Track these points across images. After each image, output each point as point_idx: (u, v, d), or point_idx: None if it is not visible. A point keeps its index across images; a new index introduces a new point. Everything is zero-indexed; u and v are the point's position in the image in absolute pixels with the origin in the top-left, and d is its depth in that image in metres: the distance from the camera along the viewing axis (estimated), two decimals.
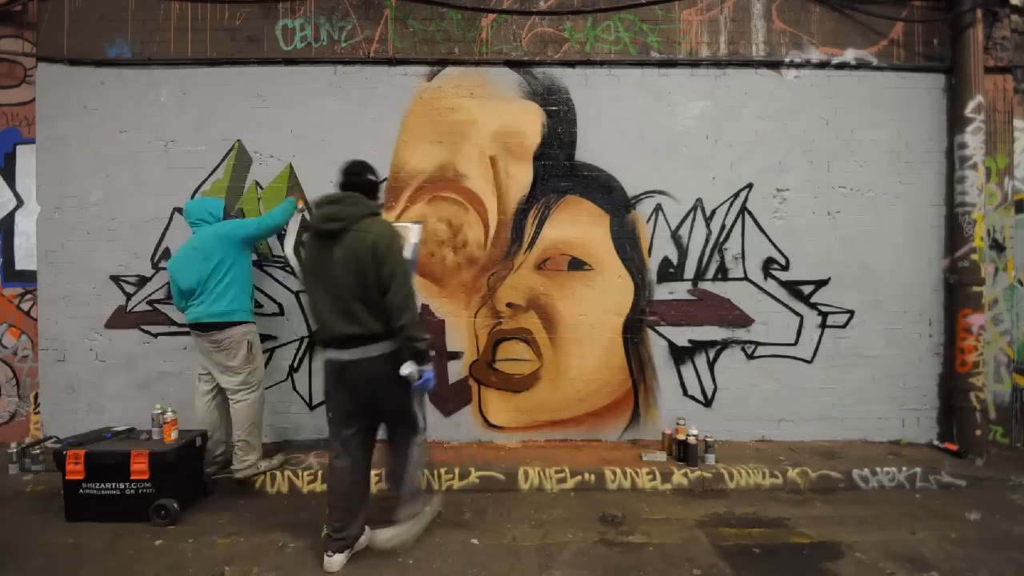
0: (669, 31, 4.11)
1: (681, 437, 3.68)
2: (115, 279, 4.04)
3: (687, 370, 4.13)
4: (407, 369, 2.35)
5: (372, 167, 2.64)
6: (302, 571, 2.49)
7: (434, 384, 2.48)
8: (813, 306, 4.14)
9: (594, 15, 4.06)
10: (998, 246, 4.17)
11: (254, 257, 4.04)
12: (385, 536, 2.62)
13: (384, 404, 2.51)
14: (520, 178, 4.07)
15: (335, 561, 2.46)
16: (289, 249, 4.05)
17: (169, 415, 3.16)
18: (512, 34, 4.09)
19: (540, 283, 4.09)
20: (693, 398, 4.14)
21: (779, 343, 4.14)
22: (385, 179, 4.06)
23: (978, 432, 3.87)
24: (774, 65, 4.12)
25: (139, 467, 2.93)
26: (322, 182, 4.04)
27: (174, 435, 3.12)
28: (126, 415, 3.81)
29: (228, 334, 3.30)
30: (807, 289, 4.14)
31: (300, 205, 3.91)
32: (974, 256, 3.93)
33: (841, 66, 4.12)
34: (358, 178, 2.57)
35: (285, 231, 4.00)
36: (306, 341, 4.08)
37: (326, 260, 2.35)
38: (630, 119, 4.09)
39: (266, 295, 4.05)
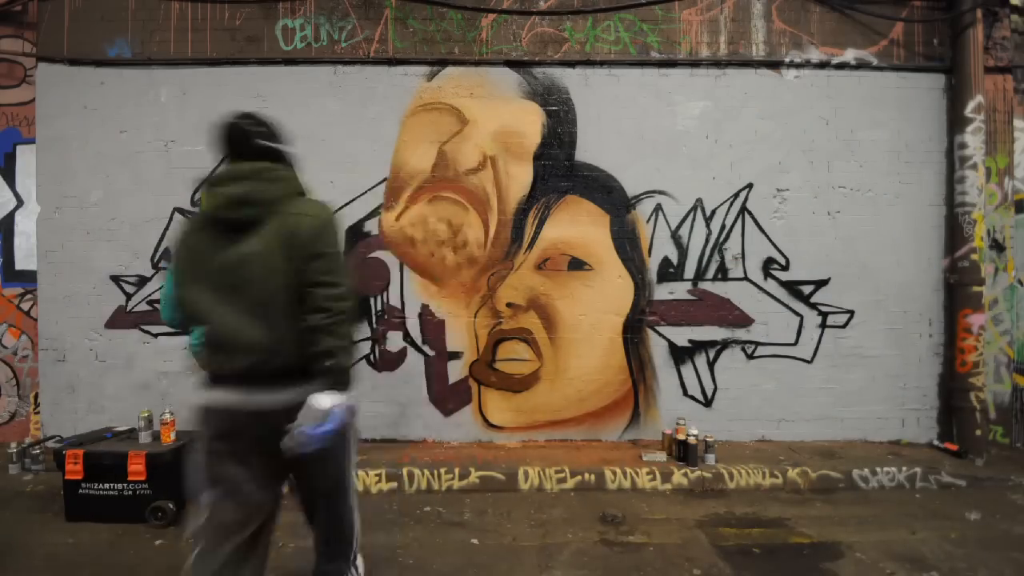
0: (669, 31, 4.11)
1: (681, 437, 3.67)
2: (115, 279, 4.04)
3: (687, 370, 4.13)
4: (324, 401, 1.52)
5: (277, 128, 1.74)
6: (302, 571, 2.48)
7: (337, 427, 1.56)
8: (813, 306, 4.14)
9: (594, 15, 4.06)
10: (998, 246, 4.17)
11: None
12: None
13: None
14: (520, 178, 4.07)
15: None
16: None
17: (167, 416, 3.16)
18: (512, 34, 4.09)
19: (540, 283, 4.09)
20: (693, 398, 4.13)
21: (779, 343, 4.13)
22: (385, 179, 4.07)
23: (978, 432, 3.87)
24: (774, 65, 4.12)
25: (136, 468, 2.93)
26: (322, 182, 4.04)
27: (173, 435, 3.12)
28: (126, 415, 3.80)
29: None
30: (807, 289, 4.14)
31: None
32: (974, 256, 3.93)
33: (841, 66, 4.12)
34: (270, 141, 1.69)
35: None
36: None
37: (223, 260, 1.58)
38: (630, 119, 4.09)
39: None
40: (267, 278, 1.56)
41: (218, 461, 1.62)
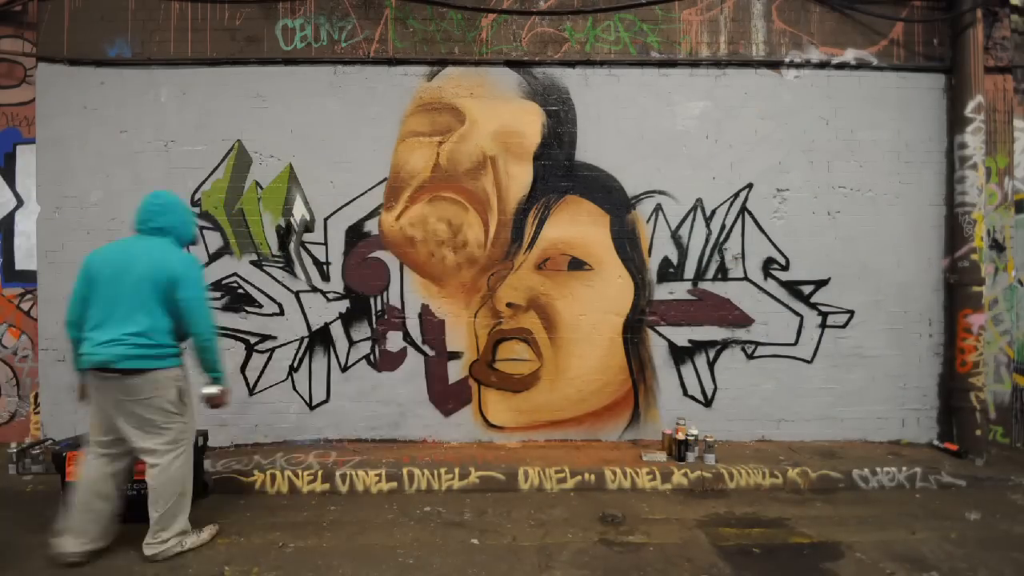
0: (669, 31, 4.11)
1: (681, 437, 3.68)
2: None
3: (687, 370, 4.13)
4: None
5: None
6: (302, 571, 2.49)
7: None
8: (813, 306, 4.14)
9: (594, 15, 4.06)
10: (998, 246, 4.17)
11: (254, 257, 4.06)
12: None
13: None
14: (520, 178, 4.07)
15: None
16: (291, 248, 4.05)
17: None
18: (512, 34, 4.09)
19: (540, 283, 4.09)
20: (693, 398, 4.13)
21: (779, 343, 4.14)
22: (385, 179, 4.07)
23: (978, 432, 3.87)
24: (774, 65, 4.12)
25: (144, 467, 2.91)
26: (322, 182, 4.06)
27: None
28: None
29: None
30: (807, 289, 4.14)
31: None
32: (974, 256, 3.93)
33: (841, 66, 4.12)
34: None
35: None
36: (306, 341, 4.08)
37: None
38: (630, 119, 4.09)
39: (266, 295, 4.05)
40: None
41: None
